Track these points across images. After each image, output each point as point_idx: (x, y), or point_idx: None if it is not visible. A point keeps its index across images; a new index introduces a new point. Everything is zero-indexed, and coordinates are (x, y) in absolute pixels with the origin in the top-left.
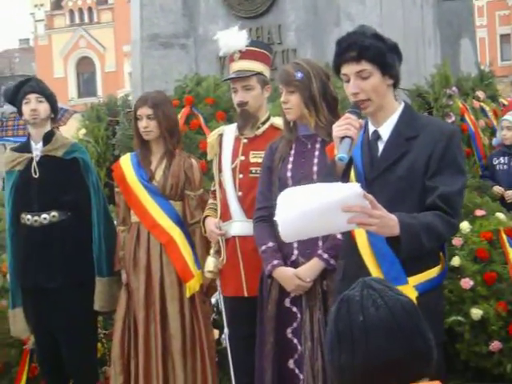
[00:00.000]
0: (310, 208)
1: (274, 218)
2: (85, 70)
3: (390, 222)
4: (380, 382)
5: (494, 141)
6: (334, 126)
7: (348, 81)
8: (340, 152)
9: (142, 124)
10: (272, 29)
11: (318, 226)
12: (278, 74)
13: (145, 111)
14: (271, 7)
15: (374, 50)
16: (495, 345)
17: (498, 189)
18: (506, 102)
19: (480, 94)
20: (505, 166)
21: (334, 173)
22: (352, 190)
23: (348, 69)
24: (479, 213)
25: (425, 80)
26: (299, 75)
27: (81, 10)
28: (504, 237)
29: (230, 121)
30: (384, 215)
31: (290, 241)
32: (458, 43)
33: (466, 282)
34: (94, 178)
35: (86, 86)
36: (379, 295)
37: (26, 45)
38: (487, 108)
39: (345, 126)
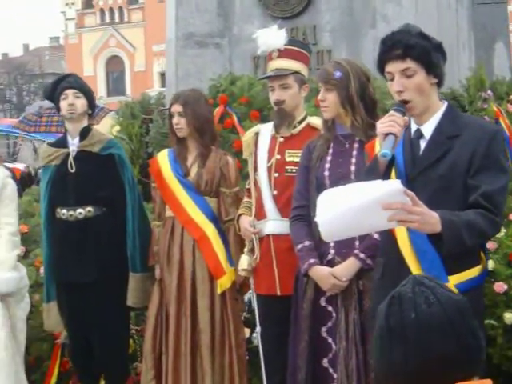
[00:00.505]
0: (350, 207)
1: (315, 219)
2: (114, 69)
3: (431, 219)
4: (432, 378)
5: None
6: (378, 123)
7: (392, 79)
8: (384, 148)
9: (174, 120)
10: (307, 29)
11: (359, 224)
12: (315, 73)
13: (176, 108)
14: (307, 8)
15: (419, 48)
16: None
17: None
18: None
19: None
20: None
21: (375, 170)
22: (392, 186)
23: (393, 67)
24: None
25: (459, 83)
26: (338, 74)
27: (111, 10)
28: None
29: (263, 120)
30: (425, 212)
31: (331, 240)
32: (492, 47)
33: (500, 286)
34: (129, 174)
35: (115, 84)
36: (431, 292)
37: (57, 43)
38: None
39: (389, 122)
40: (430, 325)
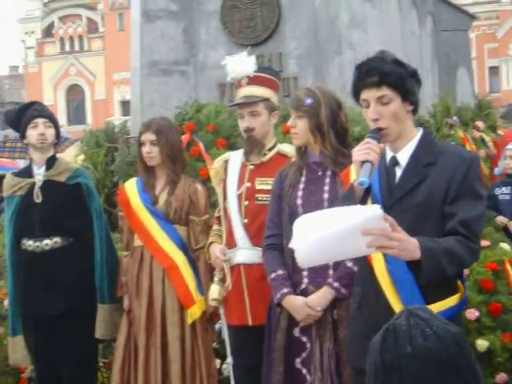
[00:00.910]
0: (328, 232)
1: (289, 245)
2: (75, 98)
3: (411, 246)
4: None
5: (496, 170)
6: (354, 151)
7: (367, 106)
8: (361, 176)
9: (145, 149)
10: (273, 56)
11: (336, 250)
12: (282, 101)
13: (148, 137)
14: (272, 35)
15: (394, 75)
16: (501, 377)
17: (501, 219)
18: (501, 133)
19: (480, 124)
20: (507, 196)
21: (352, 198)
22: (372, 211)
23: (368, 94)
24: (483, 243)
25: (426, 110)
26: (309, 101)
27: (71, 38)
28: (508, 267)
29: (230, 148)
30: (404, 238)
31: (307, 266)
32: (454, 73)
33: (472, 313)
34: (96, 203)
35: (76, 113)
36: (427, 324)
37: (16, 72)
38: (487, 138)
39: (365, 150)
40: (427, 359)
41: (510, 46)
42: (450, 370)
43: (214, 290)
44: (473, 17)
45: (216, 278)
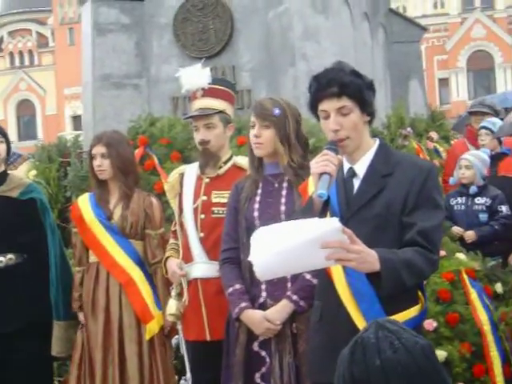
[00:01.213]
0: (287, 245)
1: (248, 258)
2: (25, 113)
3: (370, 258)
4: None
5: (451, 180)
6: (312, 163)
7: (327, 117)
8: (319, 188)
9: (95, 163)
10: (226, 69)
11: (295, 263)
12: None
13: (99, 150)
14: (225, 48)
15: (353, 86)
16: None
17: (457, 229)
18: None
19: (433, 134)
20: (462, 207)
21: (310, 211)
22: (330, 224)
23: (328, 105)
24: (440, 253)
25: (380, 121)
26: (277, 111)
27: (21, 53)
28: (465, 277)
29: (184, 161)
30: (363, 250)
31: (266, 279)
32: (406, 85)
33: (429, 324)
34: (50, 218)
35: (26, 129)
36: (396, 337)
37: None
38: (441, 149)
39: (323, 162)
40: (396, 372)
41: (459, 57)
42: (419, 382)
43: (172, 305)
44: (424, 28)
45: (173, 293)
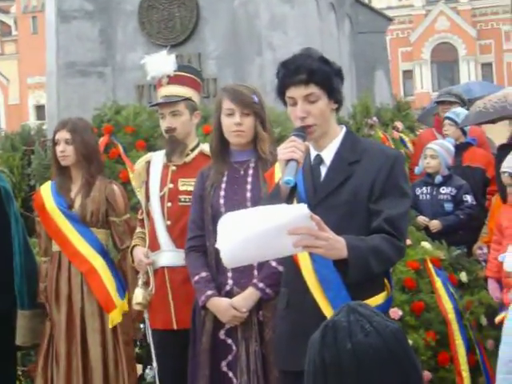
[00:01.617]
0: (255, 232)
1: (215, 245)
2: None
3: (338, 245)
4: None
5: (417, 170)
6: (279, 149)
7: (294, 104)
8: (286, 175)
9: (59, 148)
10: (192, 57)
11: (263, 250)
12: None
13: (63, 135)
14: (191, 36)
15: (322, 73)
16: (425, 375)
17: (422, 219)
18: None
19: (399, 124)
20: (427, 196)
21: (278, 197)
22: (298, 211)
23: (295, 92)
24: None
25: (346, 110)
26: (256, 98)
27: None
28: (430, 266)
29: (150, 150)
30: (331, 237)
31: (233, 266)
32: (372, 75)
33: (395, 312)
34: (15, 207)
35: None
36: (367, 320)
37: None
38: (406, 138)
39: (290, 148)
40: (368, 355)
41: (423, 49)
42: (390, 366)
43: (138, 294)
44: (389, 19)
45: (140, 282)
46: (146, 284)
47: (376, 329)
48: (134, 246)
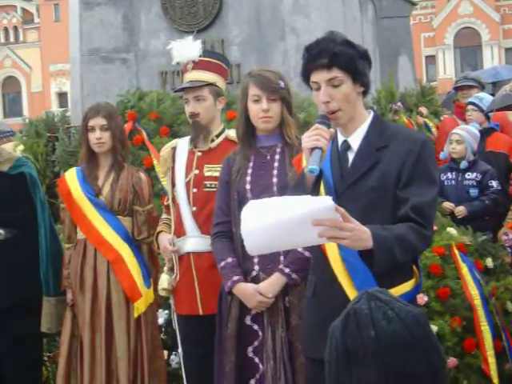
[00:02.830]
0: (278, 220)
1: (239, 231)
2: (10, 90)
3: (363, 235)
4: None
5: (442, 155)
6: (304, 137)
7: (318, 89)
8: (311, 163)
9: (95, 135)
10: (215, 43)
11: (286, 239)
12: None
13: (98, 121)
14: (214, 21)
15: (345, 56)
16: (451, 361)
17: (448, 205)
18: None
19: (423, 109)
20: (453, 182)
21: (303, 185)
22: (323, 203)
23: (318, 76)
24: None
25: (370, 95)
26: (282, 83)
27: (6, 29)
28: (456, 252)
29: (173, 136)
30: (356, 228)
31: (255, 254)
32: (396, 60)
33: (421, 298)
34: (41, 194)
35: (12, 106)
36: (389, 307)
37: None
38: (430, 124)
39: (315, 136)
40: (392, 342)
41: (445, 35)
42: (414, 352)
43: (164, 280)
44: (413, 3)
45: (166, 268)
46: (172, 270)
47: (398, 315)
48: (159, 232)
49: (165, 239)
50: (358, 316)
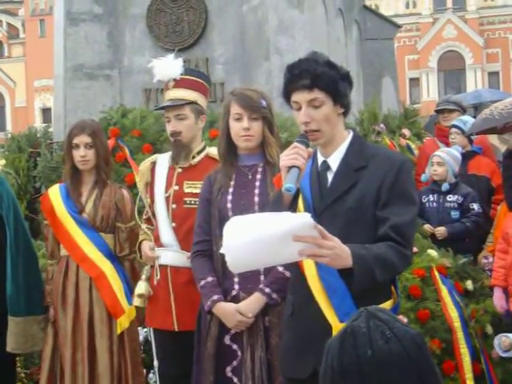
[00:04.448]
0: (259, 237)
1: (220, 252)
2: None
3: (343, 254)
4: None
5: (423, 177)
6: (282, 155)
7: (299, 109)
8: (287, 182)
9: (79, 153)
10: (200, 62)
11: (267, 256)
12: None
13: (83, 139)
14: (199, 40)
15: (326, 78)
16: None
17: (428, 227)
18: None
19: (406, 131)
20: (434, 204)
21: (281, 203)
22: (302, 220)
23: (299, 96)
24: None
25: (353, 116)
26: (264, 103)
27: None
28: (436, 274)
29: (156, 153)
30: (336, 246)
31: (238, 271)
32: (379, 82)
33: (400, 319)
34: (11, 209)
35: None
36: (387, 326)
37: None
38: (413, 146)
39: (293, 155)
40: (389, 362)
41: (429, 57)
42: (411, 373)
43: (142, 286)
44: (397, 26)
45: (143, 276)
46: (150, 279)
47: (396, 335)
48: (141, 241)
49: (146, 246)
50: (355, 334)
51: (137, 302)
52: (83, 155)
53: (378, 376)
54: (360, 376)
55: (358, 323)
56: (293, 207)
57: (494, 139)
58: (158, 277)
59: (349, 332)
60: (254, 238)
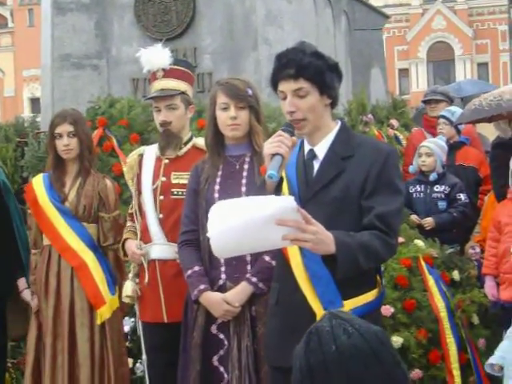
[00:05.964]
0: (243, 220)
1: (207, 234)
2: None
3: (326, 239)
4: None
5: (411, 168)
6: (266, 143)
7: (284, 98)
8: (270, 169)
9: (62, 142)
10: (187, 51)
11: (252, 240)
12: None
13: (65, 128)
14: (187, 30)
15: (312, 68)
16: (416, 373)
17: (414, 218)
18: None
19: (394, 122)
20: (421, 194)
21: (264, 191)
22: (286, 203)
23: (285, 86)
24: (398, 240)
25: (342, 106)
26: (250, 92)
27: None
28: (423, 264)
29: (143, 143)
30: (319, 231)
31: (223, 257)
32: (368, 72)
33: (387, 309)
34: (15, 200)
35: None
36: (350, 324)
37: None
38: (401, 136)
39: (276, 143)
40: (352, 355)
41: (419, 48)
42: (375, 365)
43: (128, 287)
44: (386, 16)
45: (130, 275)
46: (137, 276)
47: (358, 330)
48: (125, 240)
49: (132, 245)
50: (319, 334)
51: (126, 299)
52: (66, 144)
53: (343, 370)
54: (327, 372)
55: (321, 324)
56: (276, 195)
57: (481, 129)
58: (147, 280)
59: (313, 332)
60: (239, 222)
